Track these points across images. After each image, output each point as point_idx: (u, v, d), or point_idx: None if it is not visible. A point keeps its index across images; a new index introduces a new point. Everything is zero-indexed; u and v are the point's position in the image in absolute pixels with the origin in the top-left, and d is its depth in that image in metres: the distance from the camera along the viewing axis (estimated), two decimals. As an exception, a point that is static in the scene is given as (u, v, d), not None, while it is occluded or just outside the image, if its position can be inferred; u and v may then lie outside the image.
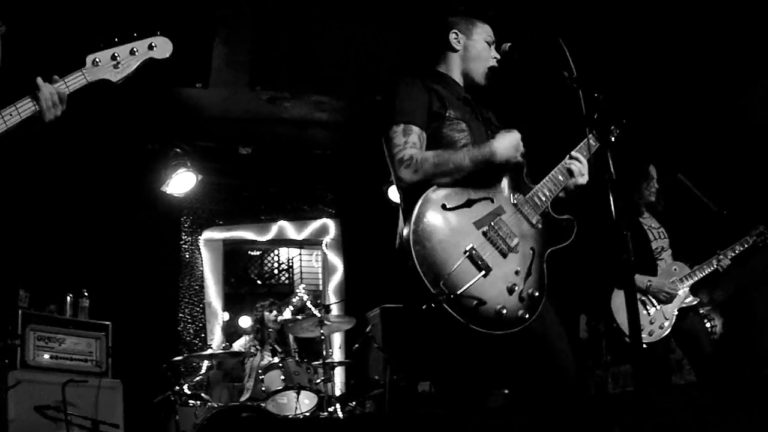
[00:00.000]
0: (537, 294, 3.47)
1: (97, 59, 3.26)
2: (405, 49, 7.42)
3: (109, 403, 7.07)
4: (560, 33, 3.57)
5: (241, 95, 8.64)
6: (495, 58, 3.95)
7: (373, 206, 9.85)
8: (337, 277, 10.47)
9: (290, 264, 10.97)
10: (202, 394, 7.23)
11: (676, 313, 5.96)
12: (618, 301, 5.92)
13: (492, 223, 3.47)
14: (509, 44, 3.94)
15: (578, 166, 3.78)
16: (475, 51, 3.95)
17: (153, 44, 3.37)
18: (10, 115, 3.14)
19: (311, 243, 10.74)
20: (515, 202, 3.63)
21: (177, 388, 6.98)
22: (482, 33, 3.99)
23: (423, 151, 3.59)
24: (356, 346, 8.16)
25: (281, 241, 10.67)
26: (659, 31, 7.15)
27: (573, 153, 3.83)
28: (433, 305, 3.22)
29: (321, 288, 10.67)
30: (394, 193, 9.43)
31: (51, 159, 7.89)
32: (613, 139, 3.94)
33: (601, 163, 3.32)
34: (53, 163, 7.99)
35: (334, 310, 9.04)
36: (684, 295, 6.02)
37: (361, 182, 10.14)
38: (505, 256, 3.45)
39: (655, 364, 5.94)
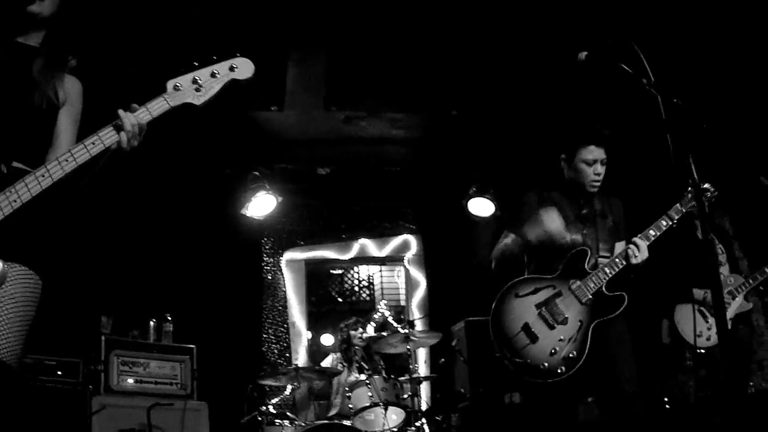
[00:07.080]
0: (573, 355, 4.61)
1: (179, 84, 3.16)
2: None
3: (195, 425, 7.16)
4: (636, 39, 3.59)
5: (317, 116, 8.68)
6: (597, 174, 4.90)
7: (454, 221, 9.84)
8: (420, 293, 10.41)
9: (370, 281, 10.98)
10: (288, 413, 7.27)
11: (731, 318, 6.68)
12: (680, 314, 6.81)
13: (548, 305, 4.74)
14: (585, 53, 4.03)
15: (633, 250, 4.73)
16: (576, 172, 4.94)
17: (234, 66, 3.28)
18: (93, 144, 3.05)
19: (393, 259, 10.71)
20: (572, 286, 4.77)
21: (263, 408, 7.03)
22: (582, 156, 4.90)
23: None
24: (442, 360, 8.16)
25: (363, 259, 10.68)
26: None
27: (634, 239, 4.78)
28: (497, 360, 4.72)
29: (402, 303, 10.65)
30: (473, 207, 9.42)
31: (131, 186, 8.04)
32: (707, 203, 4.79)
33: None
34: (133, 190, 8.13)
35: (419, 325, 8.98)
36: (738, 305, 6.70)
37: (440, 197, 10.12)
38: (552, 328, 4.69)
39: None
